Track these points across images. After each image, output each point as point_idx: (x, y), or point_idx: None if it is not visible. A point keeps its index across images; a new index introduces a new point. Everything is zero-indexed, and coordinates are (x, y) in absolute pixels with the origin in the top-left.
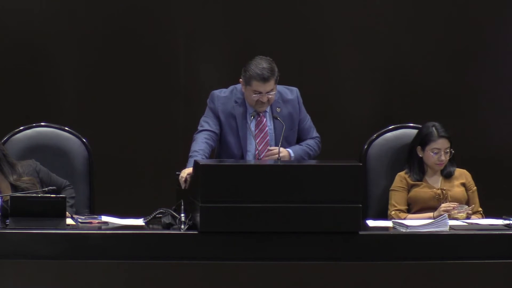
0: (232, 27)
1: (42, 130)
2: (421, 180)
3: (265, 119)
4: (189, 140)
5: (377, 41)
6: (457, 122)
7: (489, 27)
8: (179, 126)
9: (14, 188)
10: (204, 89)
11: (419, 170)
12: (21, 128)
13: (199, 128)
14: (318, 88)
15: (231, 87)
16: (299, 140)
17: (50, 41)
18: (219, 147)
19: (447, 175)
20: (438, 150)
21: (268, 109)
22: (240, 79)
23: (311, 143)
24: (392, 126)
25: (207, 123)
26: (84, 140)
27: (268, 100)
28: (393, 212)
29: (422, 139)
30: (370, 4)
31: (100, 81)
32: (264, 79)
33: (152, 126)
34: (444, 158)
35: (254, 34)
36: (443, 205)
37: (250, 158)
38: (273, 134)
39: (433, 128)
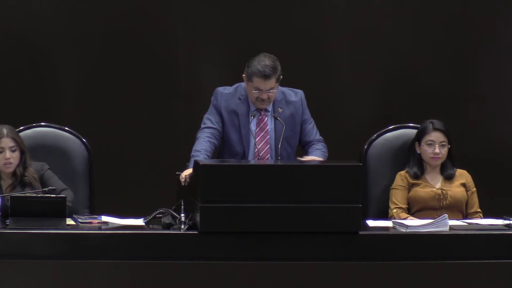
0: (232, 27)
1: (42, 130)
2: (420, 177)
3: (266, 118)
4: (189, 140)
5: (377, 41)
6: (457, 122)
7: (489, 27)
8: (179, 126)
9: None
10: (204, 89)
11: (418, 166)
12: (21, 128)
13: (202, 125)
14: (318, 88)
15: (236, 85)
16: (301, 142)
17: (50, 41)
18: (222, 144)
19: (448, 177)
20: (432, 142)
21: (270, 108)
22: (243, 74)
23: (323, 146)
24: (392, 126)
25: (209, 120)
26: (84, 140)
27: (269, 98)
28: (394, 210)
29: (418, 134)
30: (370, 4)
31: (100, 81)
32: (265, 76)
33: (152, 126)
34: (439, 151)
35: (254, 34)
36: None
37: (251, 156)
38: (274, 134)
39: (429, 123)
